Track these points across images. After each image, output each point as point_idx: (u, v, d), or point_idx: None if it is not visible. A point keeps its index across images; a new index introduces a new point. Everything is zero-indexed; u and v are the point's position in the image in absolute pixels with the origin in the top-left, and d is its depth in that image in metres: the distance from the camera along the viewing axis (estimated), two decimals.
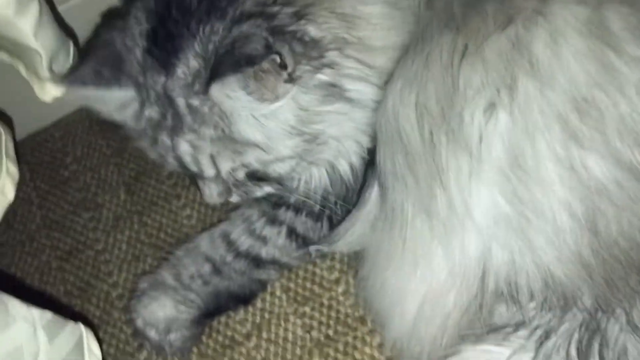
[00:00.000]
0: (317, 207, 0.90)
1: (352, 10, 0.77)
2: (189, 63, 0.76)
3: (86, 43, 1.06)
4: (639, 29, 0.65)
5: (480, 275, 0.71)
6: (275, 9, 0.75)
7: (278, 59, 0.71)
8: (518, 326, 0.73)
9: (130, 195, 1.18)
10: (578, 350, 0.69)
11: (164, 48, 0.78)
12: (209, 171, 0.82)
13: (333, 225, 0.92)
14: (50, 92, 0.98)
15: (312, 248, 0.96)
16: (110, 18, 0.90)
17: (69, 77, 0.84)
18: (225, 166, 0.81)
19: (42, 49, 0.91)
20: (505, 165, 0.67)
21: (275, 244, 0.95)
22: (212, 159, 0.81)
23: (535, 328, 0.72)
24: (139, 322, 0.97)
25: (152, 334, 0.96)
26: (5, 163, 0.99)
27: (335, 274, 1.01)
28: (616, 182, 0.64)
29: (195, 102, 0.77)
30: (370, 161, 0.83)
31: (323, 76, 0.76)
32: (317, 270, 1.02)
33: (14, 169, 1.00)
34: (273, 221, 0.95)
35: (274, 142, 0.79)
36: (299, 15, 0.75)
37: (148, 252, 1.11)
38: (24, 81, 1.02)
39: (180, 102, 0.78)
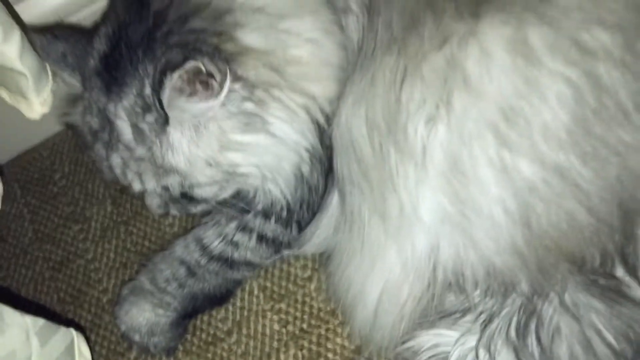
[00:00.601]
0: (285, 213, 0.93)
1: (283, 55, 0.80)
2: (132, 98, 0.80)
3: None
4: (556, 45, 0.68)
5: (431, 268, 0.75)
6: (200, 44, 0.78)
7: (202, 68, 0.74)
8: (465, 312, 0.78)
9: (116, 207, 1.21)
10: (517, 330, 0.74)
11: (110, 75, 0.82)
12: (137, 186, 0.86)
13: (301, 227, 0.95)
14: (37, 110, 1.02)
15: (285, 254, 1.01)
16: None
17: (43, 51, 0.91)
18: (150, 185, 0.85)
19: (27, 70, 0.96)
20: (447, 170, 0.71)
21: (246, 247, 0.97)
22: (139, 176, 0.85)
23: (480, 313, 0.77)
24: (123, 327, 1.00)
25: (137, 338, 0.99)
26: None
27: (308, 272, 1.05)
28: (544, 180, 0.69)
29: (142, 125, 0.81)
30: (329, 168, 0.87)
31: (249, 105, 0.79)
32: (292, 269, 1.06)
33: None
34: (243, 228, 0.96)
35: (193, 170, 0.82)
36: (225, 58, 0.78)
37: (134, 259, 1.14)
38: (9, 106, 1.06)
39: (121, 124, 0.82)
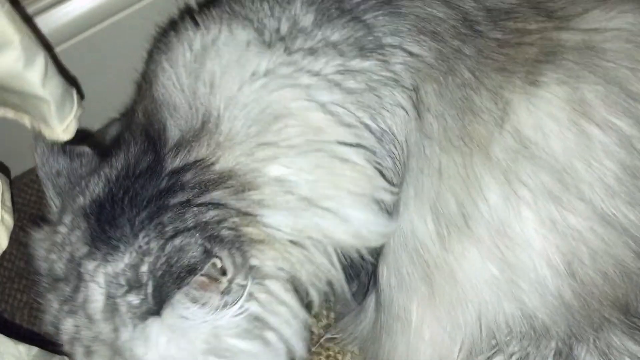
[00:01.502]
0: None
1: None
2: (120, 267, 0.65)
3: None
4: (608, 97, 0.67)
5: (478, 327, 0.71)
6: (220, 227, 0.65)
7: (219, 263, 0.61)
8: (495, 353, 0.72)
9: None
10: None
11: (101, 228, 0.66)
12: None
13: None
14: (59, 136, 0.94)
15: (327, 336, 0.93)
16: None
17: (42, 159, 0.75)
18: None
19: (50, 97, 0.87)
20: (494, 235, 0.68)
21: None
22: (88, 354, 0.67)
23: (512, 355, 0.71)
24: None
25: None
26: (1, 212, 0.94)
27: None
28: (591, 229, 0.66)
29: (120, 302, 0.64)
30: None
31: (253, 306, 0.66)
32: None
33: (8, 219, 0.94)
34: None
35: None
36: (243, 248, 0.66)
37: None
38: (8, 125, 1.00)
39: (94, 289, 0.65)
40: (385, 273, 0.74)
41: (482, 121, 0.68)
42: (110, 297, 0.64)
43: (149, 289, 0.61)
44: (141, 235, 0.64)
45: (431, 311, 0.71)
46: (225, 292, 0.62)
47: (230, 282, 0.62)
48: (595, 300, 0.67)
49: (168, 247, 0.60)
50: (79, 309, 0.65)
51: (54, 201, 0.73)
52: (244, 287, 0.63)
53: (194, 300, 0.61)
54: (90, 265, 0.65)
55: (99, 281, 0.65)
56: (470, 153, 0.68)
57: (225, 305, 0.62)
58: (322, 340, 0.94)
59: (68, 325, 0.66)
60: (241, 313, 0.64)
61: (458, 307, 0.70)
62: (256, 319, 0.66)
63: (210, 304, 0.62)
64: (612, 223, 0.65)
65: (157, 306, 0.61)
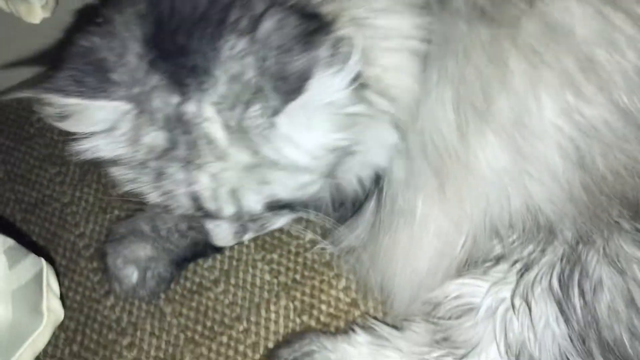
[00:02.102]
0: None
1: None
2: (223, 86, 0.57)
3: (61, 51, 0.87)
4: None
5: (483, 222, 0.65)
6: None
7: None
8: (498, 260, 0.67)
9: None
10: (560, 281, 0.63)
11: (175, 63, 0.58)
12: (228, 209, 0.64)
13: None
14: (38, 13, 0.84)
15: (320, 245, 0.87)
16: (87, 19, 0.67)
17: (46, 86, 0.60)
18: (249, 200, 0.63)
19: None
20: (510, 124, 0.62)
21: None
22: (234, 193, 0.62)
23: (515, 261, 0.65)
24: (119, 261, 0.86)
25: (131, 270, 0.85)
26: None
27: (303, 224, 0.90)
28: (606, 122, 0.60)
29: (239, 124, 0.58)
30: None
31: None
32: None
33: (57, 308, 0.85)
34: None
35: (308, 162, 0.62)
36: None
37: (115, 204, 0.99)
38: None
39: (210, 127, 0.59)
40: (394, 169, 0.68)
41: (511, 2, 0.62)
42: (230, 125, 0.58)
43: (267, 88, 0.56)
44: (222, 44, 0.56)
45: (439, 204, 0.66)
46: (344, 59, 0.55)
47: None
48: (604, 196, 0.61)
49: (259, 35, 0.54)
50: (206, 157, 0.60)
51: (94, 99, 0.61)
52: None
53: (329, 65, 0.54)
54: (190, 107, 0.58)
55: (209, 115, 0.58)
56: (498, 30, 0.61)
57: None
58: (313, 250, 0.89)
59: (205, 181, 0.61)
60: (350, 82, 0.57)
61: (467, 199, 0.64)
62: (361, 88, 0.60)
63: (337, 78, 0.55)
64: (628, 118, 0.60)
65: (282, 100, 0.56)
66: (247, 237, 0.72)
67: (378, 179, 0.71)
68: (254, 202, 0.63)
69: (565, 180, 0.61)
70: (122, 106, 0.61)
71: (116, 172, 0.66)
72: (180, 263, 0.88)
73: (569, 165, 0.61)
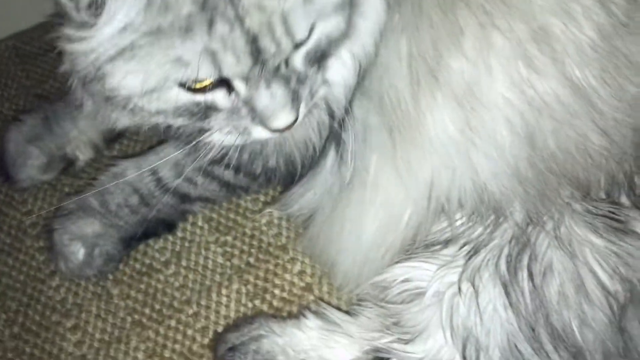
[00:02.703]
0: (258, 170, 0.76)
1: None
2: None
3: None
4: None
5: (427, 195, 0.63)
6: None
7: None
8: (446, 243, 0.64)
9: None
10: (507, 264, 0.61)
11: None
12: (286, 42, 0.54)
13: (270, 183, 0.80)
14: None
15: (266, 211, 0.86)
16: None
17: None
18: (300, 27, 0.55)
19: None
20: (461, 94, 0.59)
21: (206, 188, 0.83)
22: (285, 21, 0.54)
23: (464, 244, 0.63)
24: (65, 238, 0.82)
25: (77, 247, 0.82)
26: None
27: (259, 205, 0.89)
28: (557, 98, 0.58)
29: None
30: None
31: None
32: (241, 202, 0.90)
33: None
34: (207, 174, 0.81)
35: None
36: None
37: (65, 181, 0.95)
38: None
39: None
40: (352, 120, 0.65)
41: None
42: None
43: None
44: None
45: (390, 168, 0.64)
46: None
47: None
48: (553, 175, 0.60)
49: None
50: None
51: None
52: None
53: None
54: None
55: None
56: None
57: None
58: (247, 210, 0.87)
59: (255, 15, 0.52)
60: None
61: (414, 166, 0.63)
62: None
63: None
64: (580, 94, 0.58)
65: None
66: (302, 113, 0.60)
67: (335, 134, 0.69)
68: (303, 28, 0.55)
69: (512, 156, 0.59)
70: None
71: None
72: (129, 241, 0.85)
73: (517, 141, 0.59)
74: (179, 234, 0.89)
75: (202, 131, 0.61)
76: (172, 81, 0.53)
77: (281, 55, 0.55)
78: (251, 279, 0.83)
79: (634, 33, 0.58)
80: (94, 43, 0.53)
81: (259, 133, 0.59)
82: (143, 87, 0.54)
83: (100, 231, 0.83)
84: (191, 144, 0.68)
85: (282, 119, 0.57)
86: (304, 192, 0.76)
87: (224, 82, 0.55)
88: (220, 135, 0.60)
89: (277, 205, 0.83)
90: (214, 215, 0.90)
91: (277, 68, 0.55)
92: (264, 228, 0.88)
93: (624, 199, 0.60)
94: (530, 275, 0.59)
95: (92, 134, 0.97)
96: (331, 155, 0.71)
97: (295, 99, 0.58)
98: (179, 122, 0.59)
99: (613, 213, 0.59)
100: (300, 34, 0.55)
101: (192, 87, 0.54)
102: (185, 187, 0.83)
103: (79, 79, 0.60)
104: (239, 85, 0.55)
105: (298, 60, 0.57)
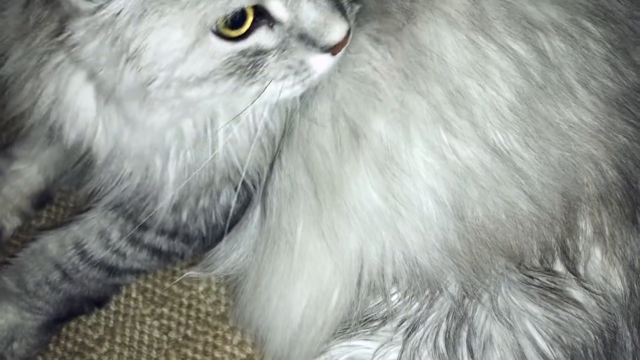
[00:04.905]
0: (202, 229, 0.73)
1: None
2: None
3: None
4: (508, 18, 0.58)
5: (359, 270, 0.61)
6: None
7: None
8: (385, 319, 0.62)
9: None
10: (446, 340, 0.59)
11: None
12: None
13: (206, 244, 0.76)
14: None
15: (186, 274, 0.81)
16: None
17: None
18: None
19: None
20: (381, 160, 0.58)
21: (136, 258, 0.78)
22: None
23: (403, 320, 0.61)
24: None
25: None
26: None
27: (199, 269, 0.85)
28: (482, 164, 0.57)
29: None
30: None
31: None
32: (177, 269, 0.87)
33: None
34: (137, 242, 0.77)
35: None
36: None
37: None
38: None
39: None
40: (281, 173, 0.63)
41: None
42: None
43: None
44: None
45: (316, 235, 0.61)
46: None
47: None
48: (484, 247, 0.58)
49: None
50: None
51: None
52: None
53: None
54: None
55: None
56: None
57: None
58: (184, 277, 0.83)
59: None
60: None
61: (342, 238, 0.60)
62: None
63: None
64: (504, 158, 0.57)
65: None
66: (351, 21, 0.57)
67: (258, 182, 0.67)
68: None
69: (440, 228, 0.58)
70: None
71: None
72: (53, 325, 0.80)
73: (443, 212, 0.57)
74: (112, 307, 0.84)
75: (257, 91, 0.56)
76: (212, 22, 0.50)
77: None
78: (189, 353, 0.80)
79: (550, 95, 0.58)
80: (118, 6, 0.49)
81: (318, 61, 0.55)
82: (183, 42, 0.50)
83: (16, 321, 0.77)
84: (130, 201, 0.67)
85: (337, 27, 0.53)
86: (229, 251, 0.73)
87: (263, 18, 0.52)
88: (277, 85, 0.56)
89: (200, 266, 0.78)
90: (149, 285, 0.86)
91: None
92: (202, 296, 0.84)
93: (558, 265, 0.59)
94: (470, 351, 0.58)
95: (18, 200, 0.92)
96: (258, 208, 0.68)
97: (339, 6, 0.55)
98: (230, 84, 0.54)
99: (549, 282, 0.59)
100: None
101: (234, 35, 0.51)
102: (113, 259, 0.78)
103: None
104: (278, 8, 0.52)
105: None
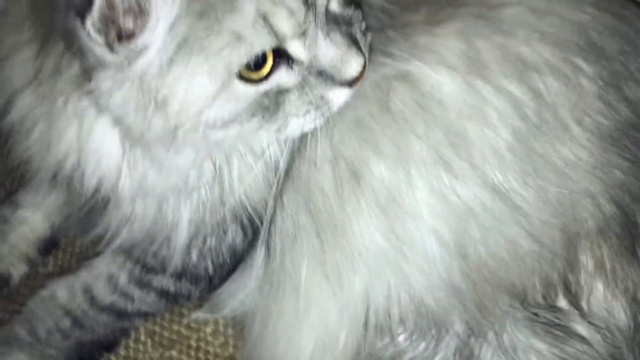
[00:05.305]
0: (209, 269, 0.74)
1: None
2: None
3: None
4: (503, 60, 0.60)
5: (365, 311, 0.62)
6: None
7: None
8: (393, 359, 0.63)
9: None
10: None
11: None
12: None
13: (213, 284, 0.77)
14: None
15: (193, 316, 0.83)
16: None
17: None
18: None
19: None
20: (384, 202, 0.59)
21: (144, 301, 0.79)
22: None
23: None
24: None
25: None
26: None
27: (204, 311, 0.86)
28: (482, 204, 0.58)
29: None
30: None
31: None
32: (184, 311, 0.87)
33: None
34: (145, 285, 0.78)
35: None
36: None
37: None
38: None
39: None
40: (283, 213, 0.65)
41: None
42: None
43: None
44: None
45: (320, 277, 0.62)
46: None
47: None
48: (488, 285, 0.60)
49: None
50: None
51: None
52: None
53: None
54: None
55: None
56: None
57: None
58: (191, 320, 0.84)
59: None
60: None
61: (346, 279, 0.62)
62: None
63: None
64: (504, 198, 0.59)
65: None
66: (366, 53, 0.59)
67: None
68: None
69: (444, 268, 0.59)
70: None
71: None
72: None
73: (447, 252, 0.59)
74: (122, 352, 0.85)
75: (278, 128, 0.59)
76: (236, 68, 0.52)
77: None
78: None
79: (546, 134, 0.59)
80: (146, 60, 0.51)
81: (337, 95, 0.58)
82: (210, 89, 0.52)
83: None
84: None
85: (353, 62, 0.56)
86: (235, 291, 0.74)
87: (282, 58, 0.54)
88: (299, 121, 0.58)
89: (207, 307, 0.80)
90: (157, 329, 0.86)
91: (324, 15, 0.55)
92: (210, 338, 0.85)
93: (561, 300, 0.60)
94: None
95: (25, 247, 0.93)
96: (262, 248, 0.69)
97: (354, 41, 0.57)
98: (254, 124, 0.56)
99: (553, 318, 0.60)
100: None
101: (255, 78, 0.53)
102: (121, 303, 0.79)
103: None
104: (297, 49, 0.54)
105: (334, 3, 0.57)
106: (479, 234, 0.58)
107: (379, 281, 0.61)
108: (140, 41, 0.50)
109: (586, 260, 0.60)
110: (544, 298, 0.60)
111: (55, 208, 0.90)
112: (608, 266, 0.60)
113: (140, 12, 0.48)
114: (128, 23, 0.49)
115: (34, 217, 0.91)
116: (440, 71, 0.60)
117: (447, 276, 0.59)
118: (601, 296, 0.60)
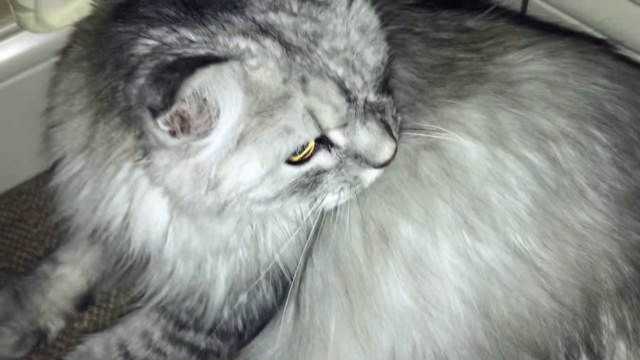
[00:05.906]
0: (239, 325, 0.78)
1: None
2: None
3: None
4: (523, 131, 0.65)
5: None
6: None
7: None
8: None
9: None
10: None
11: None
12: (365, 74, 0.59)
13: (242, 341, 0.80)
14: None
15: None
16: None
17: None
18: (369, 54, 0.61)
19: None
20: (410, 263, 0.63)
21: (174, 356, 0.82)
22: (356, 52, 0.60)
23: None
24: None
25: None
26: None
27: None
28: (504, 265, 0.61)
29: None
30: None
31: None
32: None
33: None
34: (177, 341, 0.82)
35: None
36: None
37: (37, 357, 0.94)
38: None
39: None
40: (313, 271, 0.68)
41: (420, 135, 0.66)
42: None
43: None
44: None
45: (349, 334, 0.65)
46: None
47: None
48: (511, 344, 0.62)
49: None
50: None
51: None
52: None
53: None
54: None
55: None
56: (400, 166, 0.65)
57: None
58: None
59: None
60: None
61: (373, 331, 0.64)
62: None
63: None
64: (524, 259, 0.62)
65: None
66: (397, 138, 0.63)
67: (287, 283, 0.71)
68: (371, 55, 0.61)
69: (468, 327, 0.61)
70: None
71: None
72: None
73: (471, 311, 0.61)
74: None
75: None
76: (284, 156, 0.57)
77: (366, 87, 0.59)
78: None
79: (564, 198, 0.62)
80: (207, 153, 0.56)
81: (369, 175, 0.63)
82: (260, 173, 0.57)
83: None
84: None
85: (386, 149, 0.60)
86: (264, 347, 0.76)
87: (322, 143, 0.59)
88: (334, 196, 0.63)
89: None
90: None
91: (363, 105, 0.60)
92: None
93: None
94: None
95: (63, 303, 0.96)
96: (292, 305, 0.72)
97: (387, 127, 0.61)
98: (293, 199, 0.61)
99: None
100: (371, 60, 0.60)
101: (297, 160, 0.58)
102: (154, 359, 0.83)
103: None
104: (337, 137, 0.59)
105: (371, 94, 0.61)
106: (502, 293, 0.61)
107: (406, 339, 0.63)
108: (205, 140, 0.55)
109: (607, 321, 0.62)
110: (567, 357, 0.62)
111: (92, 265, 0.94)
112: (630, 327, 0.62)
113: (209, 118, 0.54)
114: (198, 125, 0.55)
115: (73, 274, 0.94)
116: (464, 141, 0.64)
117: (471, 335, 0.61)
118: (624, 356, 0.62)
